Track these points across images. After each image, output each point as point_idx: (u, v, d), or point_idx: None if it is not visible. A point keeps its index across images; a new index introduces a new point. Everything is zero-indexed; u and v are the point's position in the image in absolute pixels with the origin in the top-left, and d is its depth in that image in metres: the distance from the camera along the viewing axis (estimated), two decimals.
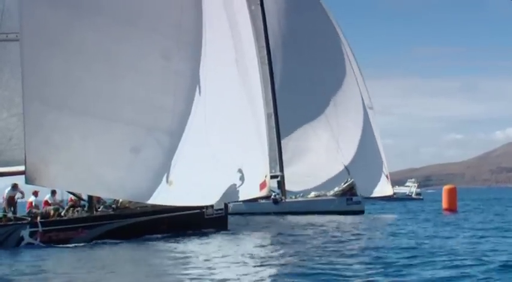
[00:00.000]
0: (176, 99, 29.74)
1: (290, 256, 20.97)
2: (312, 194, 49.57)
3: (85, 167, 28.39)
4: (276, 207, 48.60)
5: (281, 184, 51.27)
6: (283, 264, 19.08)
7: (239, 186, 29.72)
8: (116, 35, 28.78)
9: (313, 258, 20.23)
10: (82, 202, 30.61)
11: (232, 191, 29.68)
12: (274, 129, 50.51)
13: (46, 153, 27.52)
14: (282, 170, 51.29)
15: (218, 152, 29.21)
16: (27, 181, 27.57)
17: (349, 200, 47.78)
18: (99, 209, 30.25)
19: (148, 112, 29.29)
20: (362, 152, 51.40)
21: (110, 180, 28.61)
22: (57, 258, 24.30)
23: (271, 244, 25.29)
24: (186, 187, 28.66)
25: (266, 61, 49.58)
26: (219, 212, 30.60)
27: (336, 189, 48.57)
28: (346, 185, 48.31)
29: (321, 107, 51.83)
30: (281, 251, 22.28)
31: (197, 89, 30.01)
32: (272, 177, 49.01)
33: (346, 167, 49.37)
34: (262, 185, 30.84)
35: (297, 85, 51.03)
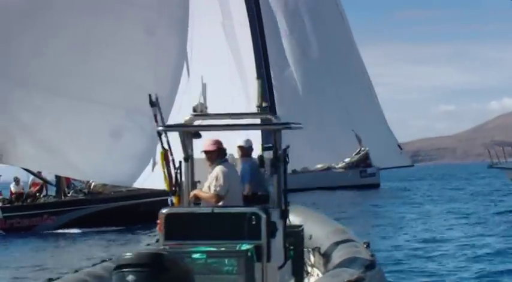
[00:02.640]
0: (159, 78, 27.40)
1: None
2: (318, 166, 45.15)
3: (58, 150, 26.18)
4: None
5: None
6: None
7: None
8: (92, 7, 26.60)
9: None
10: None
11: None
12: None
13: (14, 133, 25.66)
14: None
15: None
16: None
17: (363, 172, 43.46)
18: (68, 194, 27.93)
19: (128, 92, 26.98)
20: (369, 119, 47.92)
21: (87, 164, 26.55)
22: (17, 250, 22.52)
23: None
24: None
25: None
26: None
27: (347, 160, 44.44)
28: (360, 155, 43.82)
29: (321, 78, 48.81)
30: None
31: (184, 67, 27.73)
32: (266, 148, 45.86)
33: (357, 135, 44.46)
34: None
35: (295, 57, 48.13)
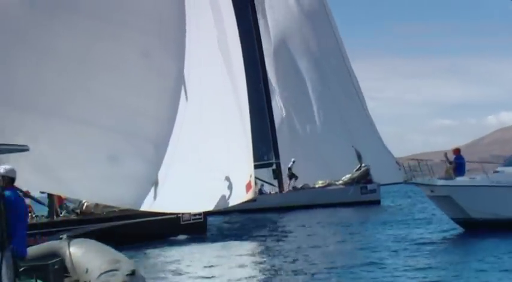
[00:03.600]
0: (158, 102, 27.14)
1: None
2: (320, 182, 44.66)
3: (53, 173, 26.26)
4: (270, 200, 43.09)
5: (277, 173, 45.89)
6: None
7: (227, 192, 27.67)
8: (91, 32, 26.66)
9: None
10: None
11: (220, 197, 27.56)
12: (267, 113, 46.78)
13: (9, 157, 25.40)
14: (277, 157, 46.54)
15: (204, 158, 27.14)
16: None
17: (363, 188, 42.71)
18: (61, 215, 27.74)
19: (126, 117, 26.66)
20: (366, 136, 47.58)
21: (82, 189, 26.56)
22: None
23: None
24: (173, 195, 26.57)
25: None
26: (197, 217, 28.11)
27: (348, 176, 43.89)
28: (360, 171, 43.36)
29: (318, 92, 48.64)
30: None
31: (182, 90, 27.56)
32: (265, 165, 45.39)
33: (356, 151, 44.10)
34: (248, 186, 28.69)
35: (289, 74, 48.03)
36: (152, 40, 27.22)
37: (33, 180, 26.25)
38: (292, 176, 45.06)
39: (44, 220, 27.12)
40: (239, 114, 28.83)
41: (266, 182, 46.16)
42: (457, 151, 27.72)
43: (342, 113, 48.04)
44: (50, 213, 27.37)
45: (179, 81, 27.58)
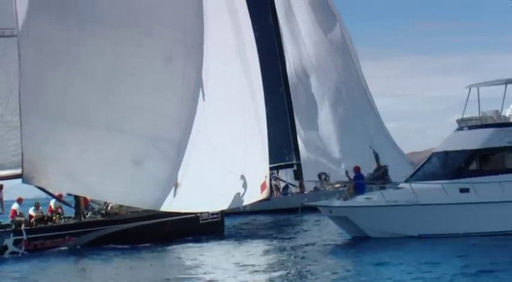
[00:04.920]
0: (181, 106, 28.88)
1: None
2: (335, 183, 45.64)
3: (81, 177, 28.20)
4: (289, 201, 43.99)
5: (298, 174, 47.05)
6: None
7: (242, 191, 29.27)
8: (117, 41, 28.33)
9: None
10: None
11: (235, 196, 29.13)
12: (288, 115, 48.13)
13: (40, 164, 27.83)
14: (298, 158, 47.78)
15: (222, 159, 28.79)
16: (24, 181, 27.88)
17: (382, 188, 44.20)
18: (87, 215, 29.25)
19: (150, 121, 28.44)
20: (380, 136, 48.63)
21: (109, 191, 28.41)
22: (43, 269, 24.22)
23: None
24: (191, 195, 28.24)
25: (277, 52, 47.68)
26: (215, 216, 29.56)
27: (367, 176, 44.83)
28: (379, 171, 44.28)
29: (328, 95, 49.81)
30: None
31: (201, 94, 29.37)
32: (286, 166, 46.72)
33: (374, 152, 44.99)
34: (263, 186, 30.28)
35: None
36: (176, 47, 28.87)
37: (64, 184, 28.28)
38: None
39: (72, 221, 28.82)
40: (256, 117, 30.34)
41: (289, 184, 47.62)
42: (357, 169, 28.47)
43: (355, 114, 49.15)
44: (77, 215, 29.03)
45: (200, 86, 29.23)
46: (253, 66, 30.72)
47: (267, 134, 30.56)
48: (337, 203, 27.03)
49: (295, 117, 48.62)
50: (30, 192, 29.53)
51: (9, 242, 27.21)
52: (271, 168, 33.12)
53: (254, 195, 29.77)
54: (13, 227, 28.05)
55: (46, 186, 28.80)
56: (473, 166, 26.71)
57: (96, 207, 29.61)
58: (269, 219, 39.24)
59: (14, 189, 29.48)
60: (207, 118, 29.01)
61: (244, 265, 21.62)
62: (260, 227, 35.64)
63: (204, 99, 29.19)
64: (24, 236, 27.42)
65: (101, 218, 28.93)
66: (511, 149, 26.65)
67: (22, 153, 27.51)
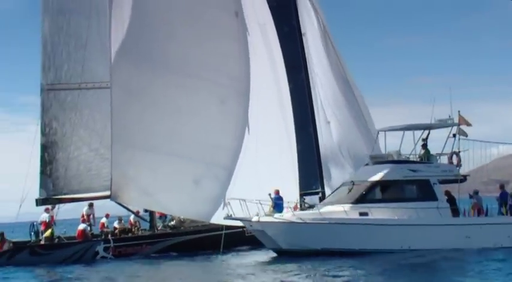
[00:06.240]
0: (231, 138, 34.26)
1: None
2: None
3: (154, 193, 33.54)
4: None
5: (323, 200, 52.18)
6: None
7: None
8: (182, 87, 33.87)
9: None
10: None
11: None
12: (315, 151, 53.07)
13: (123, 184, 33.29)
14: (322, 186, 53.23)
15: (262, 181, 33.33)
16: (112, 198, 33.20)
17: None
18: (159, 228, 35.65)
19: (207, 150, 33.91)
20: None
21: (175, 206, 33.74)
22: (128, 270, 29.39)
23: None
24: (236, 210, 32.04)
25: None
26: None
27: None
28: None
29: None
30: None
31: (247, 129, 34.59)
32: (312, 193, 52.84)
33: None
34: (295, 208, 33.93)
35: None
36: (227, 91, 34.55)
37: (141, 201, 34.10)
38: None
39: (147, 233, 35.22)
40: (289, 149, 35.45)
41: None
42: (276, 192, 31.59)
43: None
44: (151, 227, 35.48)
45: (245, 122, 34.69)
46: (288, 110, 35.88)
47: (297, 164, 35.47)
48: (255, 218, 30.11)
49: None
50: (114, 209, 35.54)
51: (100, 248, 33.20)
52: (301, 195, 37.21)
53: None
54: (103, 237, 34.45)
55: (127, 203, 34.28)
56: (373, 195, 30.48)
57: (167, 221, 35.74)
58: None
59: (102, 207, 35.69)
60: (250, 148, 34.30)
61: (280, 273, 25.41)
62: None
63: (249, 134, 34.49)
64: (112, 244, 33.34)
65: (170, 231, 35.05)
66: (405, 181, 30.59)
67: (111, 176, 32.84)
